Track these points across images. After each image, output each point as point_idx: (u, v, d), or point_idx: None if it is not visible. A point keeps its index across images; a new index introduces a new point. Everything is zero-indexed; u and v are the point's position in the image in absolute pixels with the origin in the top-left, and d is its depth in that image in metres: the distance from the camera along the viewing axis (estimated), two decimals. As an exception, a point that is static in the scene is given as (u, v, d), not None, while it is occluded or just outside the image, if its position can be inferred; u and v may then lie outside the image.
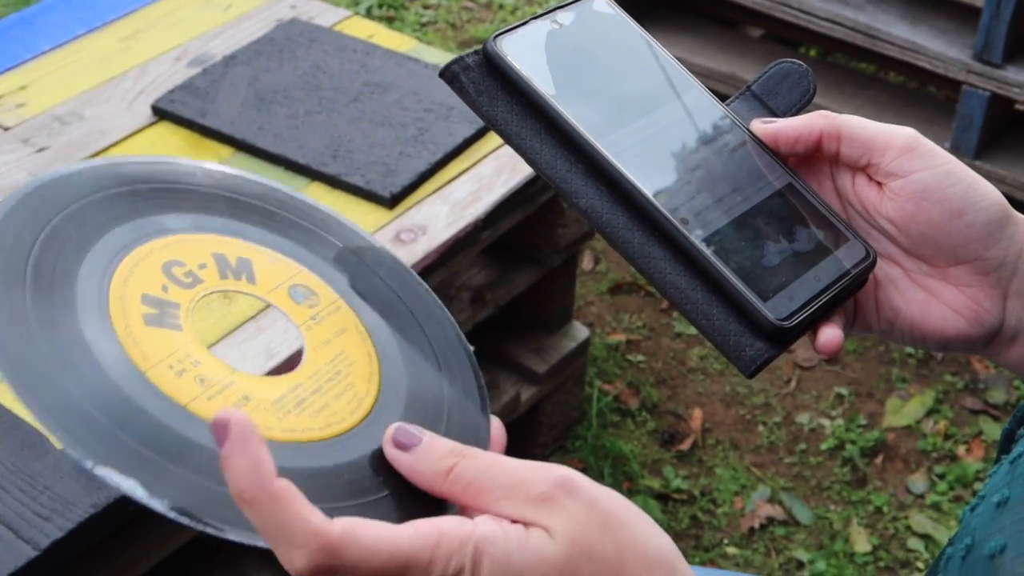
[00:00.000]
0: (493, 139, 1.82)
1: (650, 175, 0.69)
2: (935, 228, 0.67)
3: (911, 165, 0.67)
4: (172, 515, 0.54)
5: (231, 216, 0.67)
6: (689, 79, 0.74)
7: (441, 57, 2.01)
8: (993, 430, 2.30)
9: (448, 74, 0.71)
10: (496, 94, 0.70)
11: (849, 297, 0.70)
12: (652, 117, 0.71)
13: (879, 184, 0.69)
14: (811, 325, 0.68)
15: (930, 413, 2.34)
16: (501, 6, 3.57)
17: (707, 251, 0.67)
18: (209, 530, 0.55)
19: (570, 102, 0.69)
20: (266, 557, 1.74)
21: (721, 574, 1.12)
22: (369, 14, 3.50)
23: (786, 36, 2.97)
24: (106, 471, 0.54)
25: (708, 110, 0.73)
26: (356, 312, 0.66)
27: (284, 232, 0.69)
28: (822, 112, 0.71)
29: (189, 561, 1.70)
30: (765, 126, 0.71)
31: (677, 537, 2.14)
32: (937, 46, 2.45)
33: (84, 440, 0.54)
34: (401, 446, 0.56)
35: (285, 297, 0.65)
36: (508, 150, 1.79)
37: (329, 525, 0.51)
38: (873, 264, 0.69)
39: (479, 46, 0.71)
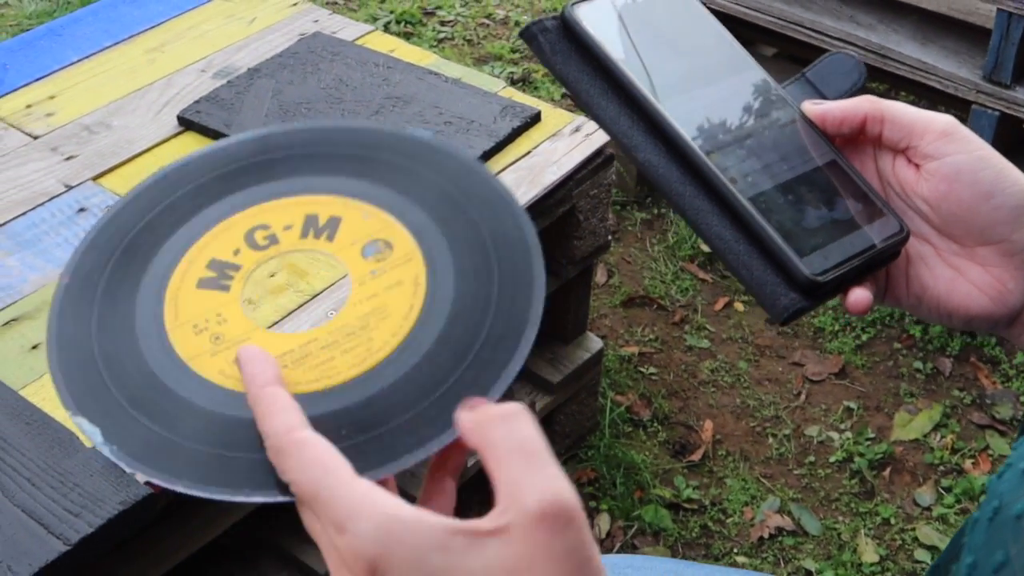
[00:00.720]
0: (512, 152, 1.86)
1: (705, 137, 0.75)
2: (965, 209, 0.72)
3: (947, 148, 0.72)
4: (114, 458, 0.59)
5: (353, 173, 0.72)
6: (748, 59, 0.80)
7: (461, 72, 2.05)
8: (1000, 445, 2.33)
9: (528, 34, 0.78)
10: (569, 55, 0.77)
11: (881, 267, 0.75)
12: (711, 88, 0.78)
13: (917, 166, 0.74)
14: (842, 285, 0.73)
15: (937, 427, 2.38)
16: (517, 23, 3.62)
17: (751, 207, 0.73)
18: (156, 480, 0.59)
19: (636, 67, 0.77)
20: (285, 559, 1.78)
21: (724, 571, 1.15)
22: (387, 30, 3.54)
23: (799, 55, 3.01)
24: (79, 420, 0.59)
25: (764, 88, 0.79)
26: (426, 258, 0.68)
27: (385, 180, 0.72)
28: (868, 96, 0.76)
29: (212, 561, 1.74)
30: (814, 106, 0.77)
31: (687, 546, 2.18)
32: (947, 66, 2.49)
33: (77, 392, 0.60)
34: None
35: (356, 253, 0.68)
36: (527, 163, 1.83)
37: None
38: (906, 239, 0.74)
39: (556, 12, 0.77)
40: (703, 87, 0.78)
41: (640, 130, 0.76)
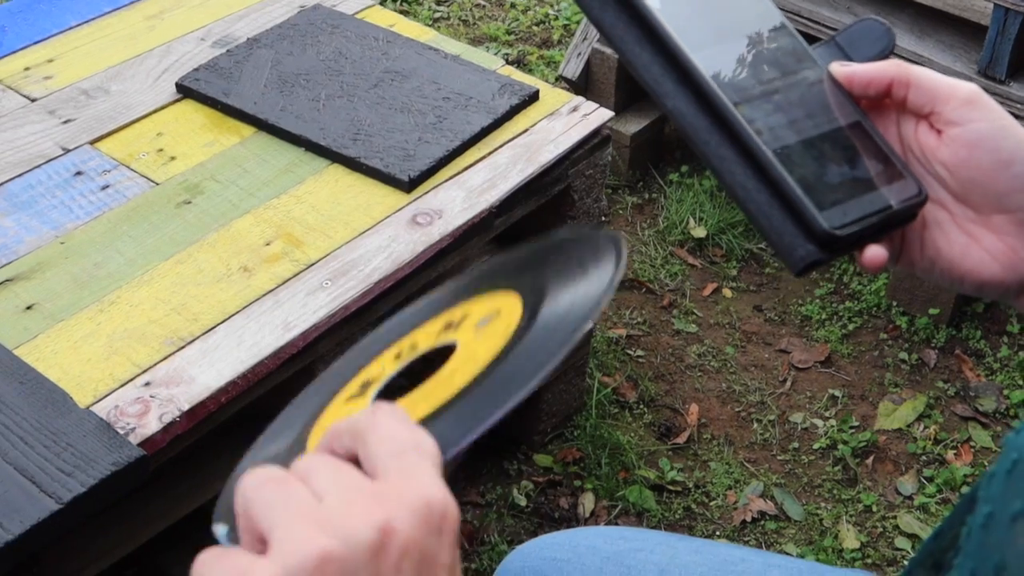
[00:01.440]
0: (509, 129, 1.87)
1: (734, 88, 0.77)
2: (984, 175, 0.73)
3: (970, 115, 0.73)
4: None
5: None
6: (783, 21, 0.82)
7: (459, 48, 2.05)
8: (982, 437, 2.35)
9: None
10: (607, 2, 0.79)
11: (898, 227, 0.76)
12: (742, 42, 0.79)
13: (939, 132, 0.75)
14: (859, 242, 0.74)
15: (921, 418, 2.39)
16: (513, 5, 3.62)
17: (775, 159, 0.74)
18: None
19: (672, 17, 0.78)
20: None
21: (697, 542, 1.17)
22: (383, 5, 3.54)
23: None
24: (216, 526, 0.65)
25: (795, 48, 0.80)
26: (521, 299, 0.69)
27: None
28: (895, 60, 0.77)
29: (200, 527, 1.74)
30: (842, 68, 0.78)
31: (670, 527, 2.19)
32: (943, 60, 2.50)
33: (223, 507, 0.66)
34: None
35: (470, 327, 0.70)
36: (524, 141, 1.84)
37: None
38: (924, 201, 0.75)
39: None
40: (735, 41, 0.79)
41: (671, 79, 0.77)
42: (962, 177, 0.74)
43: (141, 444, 1.40)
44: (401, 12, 3.55)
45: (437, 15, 3.57)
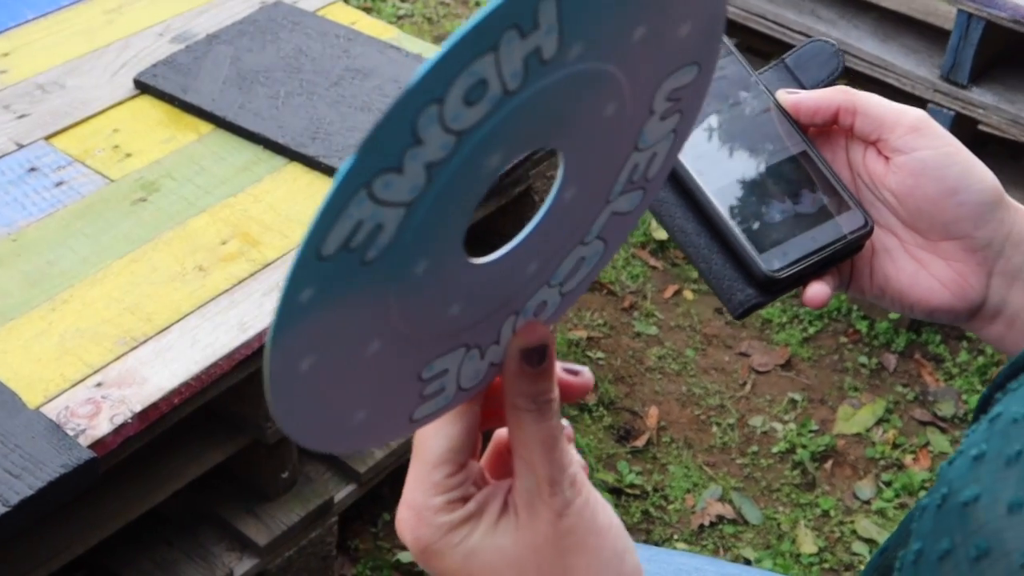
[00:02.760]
0: (470, 130, 1.85)
1: None
2: (931, 203, 0.73)
3: (916, 143, 0.73)
4: None
5: None
6: (729, 46, 0.79)
7: (422, 47, 2.04)
8: (940, 442, 2.36)
9: None
10: None
11: (844, 259, 0.75)
12: None
13: (886, 158, 0.75)
14: (800, 280, 0.73)
15: (880, 422, 2.39)
16: (477, 3, 3.60)
17: (715, 201, 0.73)
18: None
19: None
20: (224, 529, 1.77)
21: (671, 554, 1.16)
22: (347, 2, 3.51)
23: (760, 48, 3.01)
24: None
25: (739, 76, 0.78)
26: None
27: None
28: (842, 87, 0.77)
29: (150, 529, 1.72)
30: (788, 96, 0.77)
31: (629, 531, 2.17)
32: (906, 64, 2.50)
33: None
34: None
35: None
36: (484, 141, 1.82)
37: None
38: (870, 232, 0.74)
39: None
40: None
41: None
42: (909, 205, 0.74)
43: (91, 446, 1.38)
44: (364, 9, 3.53)
45: (401, 12, 3.55)
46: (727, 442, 2.35)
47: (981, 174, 0.73)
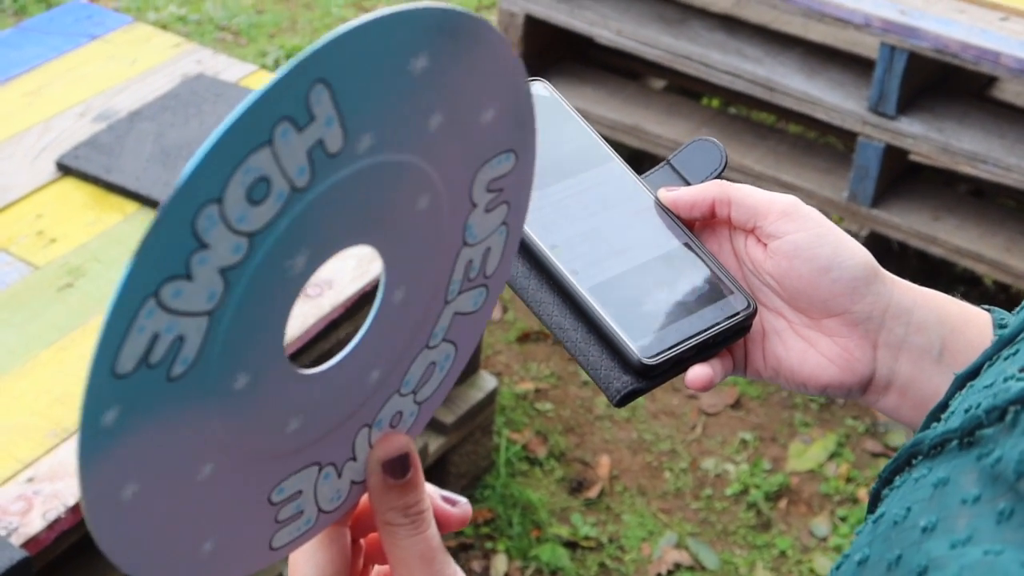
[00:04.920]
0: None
1: (550, 231, 0.76)
2: (806, 283, 0.75)
3: (787, 227, 0.76)
4: None
5: None
6: (610, 153, 0.82)
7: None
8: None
9: None
10: None
11: (729, 342, 0.77)
12: (566, 183, 0.79)
13: (764, 244, 0.77)
14: (679, 365, 0.75)
15: (832, 456, 2.39)
16: (408, 57, 3.60)
17: (589, 297, 0.74)
18: None
19: None
20: None
21: None
22: (277, 65, 3.51)
23: (688, 87, 3.03)
24: None
25: (621, 179, 0.81)
26: None
27: None
28: (717, 181, 0.80)
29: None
30: (667, 193, 0.80)
31: (586, 584, 2.16)
32: (833, 98, 2.52)
33: None
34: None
35: None
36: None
37: None
38: (753, 313, 0.76)
39: None
40: (558, 182, 0.79)
41: None
42: (788, 286, 0.76)
43: (25, 544, 1.35)
44: (295, 70, 3.51)
45: (332, 71, 3.54)
46: (680, 487, 2.34)
47: (852, 250, 0.76)
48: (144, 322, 0.43)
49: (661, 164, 0.83)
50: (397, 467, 0.57)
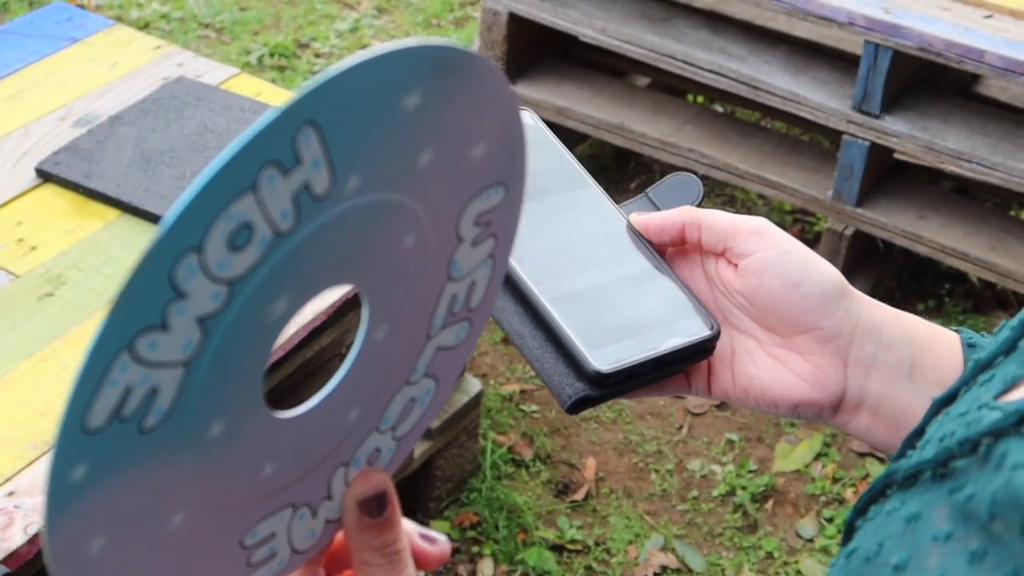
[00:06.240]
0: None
1: (518, 244, 0.76)
2: (776, 299, 0.76)
3: (756, 245, 0.77)
4: None
5: None
6: (588, 180, 0.83)
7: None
8: (879, 471, 2.34)
9: None
10: None
11: (690, 363, 0.78)
12: (540, 202, 0.80)
13: (735, 265, 0.79)
14: (635, 378, 0.75)
15: (818, 457, 2.39)
16: (392, 54, 3.58)
17: (549, 306, 0.75)
18: None
19: None
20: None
21: None
22: (260, 63, 3.49)
23: (673, 85, 3.02)
24: None
25: (595, 203, 0.82)
26: None
27: None
28: (687, 207, 0.81)
29: None
30: (638, 217, 0.81)
31: (572, 588, 2.16)
32: (818, 96, 2.51)
33: None
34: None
35: None
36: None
37: None
38: (716, 335, 0.77)
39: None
40: (530, 201, 0.78)
41: None
42: (758, 303, 0.77)
43: (6, 559, 1.34)
44: (279, 67, 3.50)
45: (316, 68, 3.53)
46: (666, 488, 2.33)
47: (820, 267, 0.77)
48: (117, 376, 0.43)
49: (639, 196, 0.84)
50: (374, 506, 0.56)
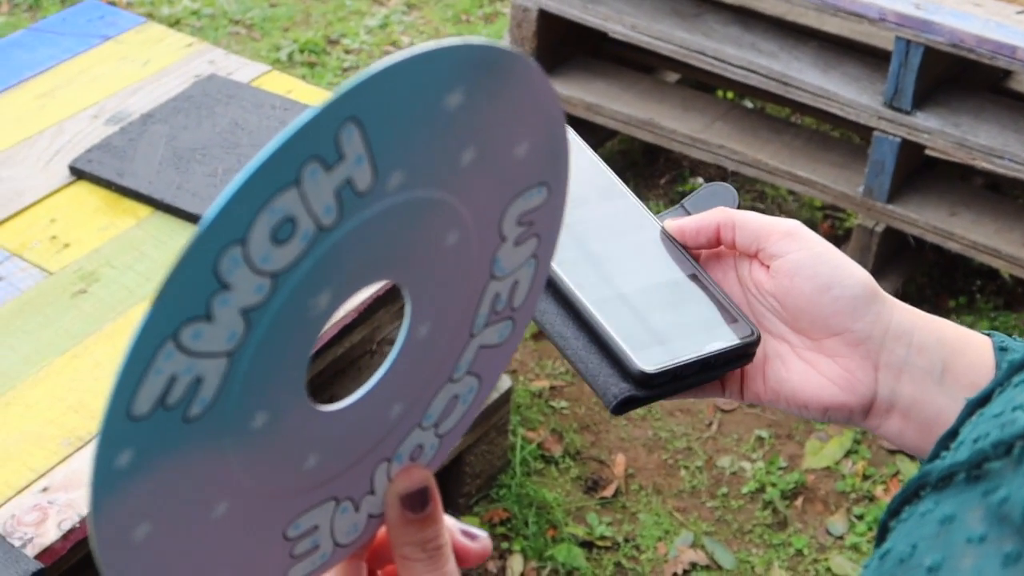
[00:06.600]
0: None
1: (560, 249, 0.76)
2: (807, 300, 0.77)
3: (789, 247, 0.78)
4: None
5: None
6: (624, 191, 0.84)
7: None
8: (910, 469, 2.34)
9: None
10: None
11: (731, 367, 0.78)
12: (579, 211, 0.81)
13: (767, 267, 0.79)
14: (679, 380, 0.76)
15: (848, 454, 2.38)
16: (422, 50, 3.59)
17: (591, 307, 0.76)
18: None
19: None
20: None
21: None
22: (291, 60, 3.50)
23: (703, 81, 3.01)
24: None
25: (631, 212, 0.83)
26: None
27: None
28: (720, 208, 0.82)
29: None
30: (673, 222, 0.82)
31: (602, 584, 2.16)
32: (848, 93, 2.50)
33: None
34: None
35: None
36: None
37: None
38: (756, 341, 0.78)
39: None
40: (570, 210, 0.79)
41: None
42: (790, 306, 0.78)
43: (40, 555, 1.35)
44: (309, 64, 3.51)
45: (346, 64, 3.54)
46: (696, 485, 2.33)
47: (852, 270, 0.77)
48: (162, 364, 0.43)
49: (675, 207, 0.85)
50: (416, 501, 0.57)
